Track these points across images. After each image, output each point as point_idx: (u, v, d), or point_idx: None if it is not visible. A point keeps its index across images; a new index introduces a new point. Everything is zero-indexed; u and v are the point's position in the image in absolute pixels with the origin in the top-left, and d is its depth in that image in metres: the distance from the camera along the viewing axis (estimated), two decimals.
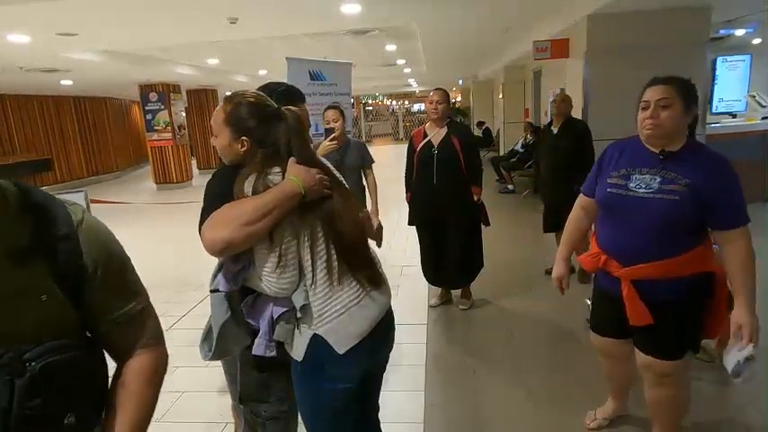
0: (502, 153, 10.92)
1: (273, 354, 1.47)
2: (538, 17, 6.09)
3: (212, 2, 4.38)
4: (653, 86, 1.79)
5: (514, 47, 8.41)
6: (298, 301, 1.41)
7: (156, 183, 12.24)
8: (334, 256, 1.39)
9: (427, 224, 3.76)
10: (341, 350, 1.41)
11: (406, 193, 3.87)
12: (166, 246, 6.50)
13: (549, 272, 4.39)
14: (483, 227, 3.84)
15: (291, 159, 1.39)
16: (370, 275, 1.47)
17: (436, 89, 3.61)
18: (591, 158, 3.86)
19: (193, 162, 14.02)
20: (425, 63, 11.14)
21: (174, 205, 9.55)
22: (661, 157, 1.79)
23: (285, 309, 1.43)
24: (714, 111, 8.20)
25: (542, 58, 5.72)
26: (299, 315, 1.43)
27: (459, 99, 22.53)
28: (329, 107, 3.73)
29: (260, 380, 1.66)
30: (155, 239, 6.92)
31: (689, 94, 1.77)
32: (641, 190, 1.77)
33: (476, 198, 3.65)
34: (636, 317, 1.84)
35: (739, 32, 6.89)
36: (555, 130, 4.22)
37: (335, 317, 1.41)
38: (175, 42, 6.54)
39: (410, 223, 3.89)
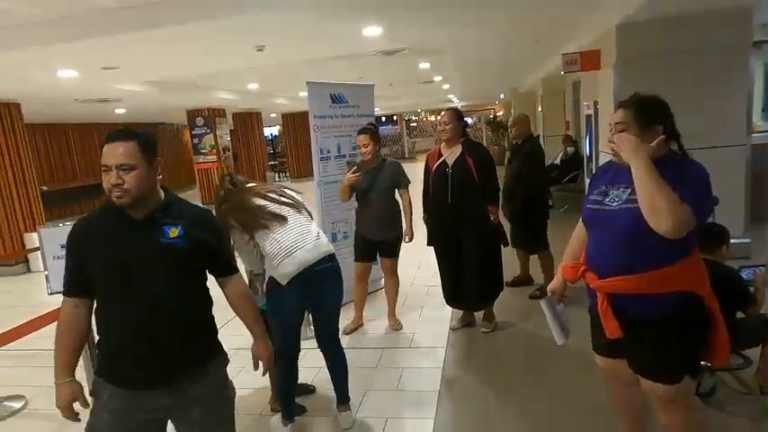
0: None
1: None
2: (567, 29, 5.93)
3: (239, 32, 4.54)
4: (616, 111, 1.84)
5: (548, 59, 8.23)
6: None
7: (203, 203, 12.73)
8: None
9: (444, 244, 3.70)
10: (283, 282, 2.44)
11: (424, 213, 3.83)
12: None
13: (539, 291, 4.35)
14: (502, 247, 3.74)
15: None
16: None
17: (446, 110, 3.60)
18: (536, 177, 4.29)
19: None
20: (459, 79, 11.09)
21: None
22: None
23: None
24: None
25: (572, 71, 5.55)
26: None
27: (501, 113, 22.25)
28: (361, 131, 3.79)
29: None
30: None
31: (646, 116, 1.77)
32: (614, 204, 1.80)
33: (492, 218, 3.56)
34: (608, 330, 1.82)
35: None
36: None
37: (274, 266, 2.44)
38: (208, 71, 6.83)
39: (429, 243, 3.84)
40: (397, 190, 3.86)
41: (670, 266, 1.70)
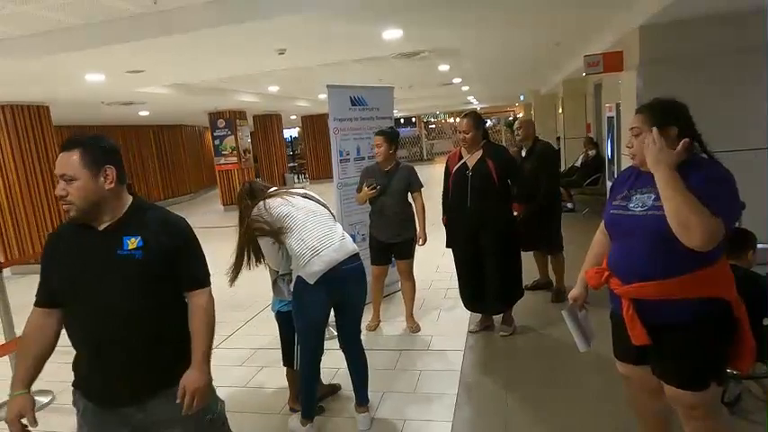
0: (562, 169, 10.52)
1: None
2: (589, 30, 5.87)
3: (260, 35, 4.61)
4: (634, 116, 1.85)
5: (570, 60, 8.15)
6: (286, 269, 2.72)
7: (223, 204, 12.91)
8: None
9: (463, 247, 3.69)
10: (311, 281, 2.49)
11: (443, 215, 3.83)
12: (213, 267, 6.77)
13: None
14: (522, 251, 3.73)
15: None
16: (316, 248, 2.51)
17: (463, 116, 3.60)
18: (552, 178, 4.34)
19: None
20: (479, 81, 11.04)
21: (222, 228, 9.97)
22: None
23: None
24: None
25: (594, 73, 5.48)
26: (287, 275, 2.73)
27: (521, 115, 22.08)
28: (378, 132, 3.92)
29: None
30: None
31: (660, 118, 1.77)
32: (638, 209, 1.78)
33: (515, 213, 3.54)
34: (635, 336, 1.79)
35: None
36: (524, 153, 4.43)
37: (302, 266, 2.50)
38: (231, 74, 6.92)
39: (447, 246, 3.84)
40: (410, 193, 3.91)
41: (696, 272, 1.68)
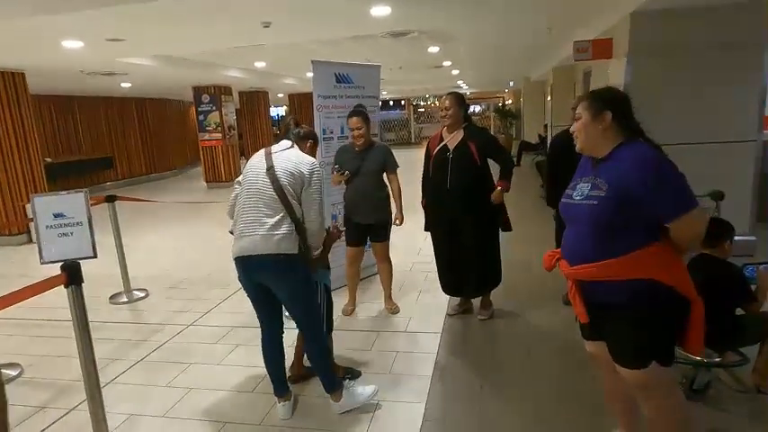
0: None
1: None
2: (581, 16, 5.81)
3: (244, 7, 4.47)
4: None
5: (561, 48, 8.09)
6: None
7: (207, 181, 12.72)
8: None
9: (441, 230, 3.67)
10: (232, 257, 2.50)
11: (422, 198, 3.78)
12: (194, 244, 6.75)
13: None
14: (501, 235, 3.70)
15: None
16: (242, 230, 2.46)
17: (447, 94, 3.53)
18: None
19: (243, 162, 14.45)
20: (469, 65, 10.94)
21: (203, 204, 9.85)
22: (594, 162, 1.91)
23: None
24: None
25: (583, 59, 5.44)
26: None
27: (510, 102, 22.03)
28: (353, 113, 3.77)
29: None
30: (181, 238, 7.23)
31: (596, 103, 1.86)
32: (577, 197, 1.89)
33: (498, 188, 3.47)
34: (578, 314, 1.95)
35: None
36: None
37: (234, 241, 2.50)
38: (215, 47, 6.74)
39: (426, 229, 3.81)
40: (385, 174, 3.85)
41: (631, 254, 1.76)
